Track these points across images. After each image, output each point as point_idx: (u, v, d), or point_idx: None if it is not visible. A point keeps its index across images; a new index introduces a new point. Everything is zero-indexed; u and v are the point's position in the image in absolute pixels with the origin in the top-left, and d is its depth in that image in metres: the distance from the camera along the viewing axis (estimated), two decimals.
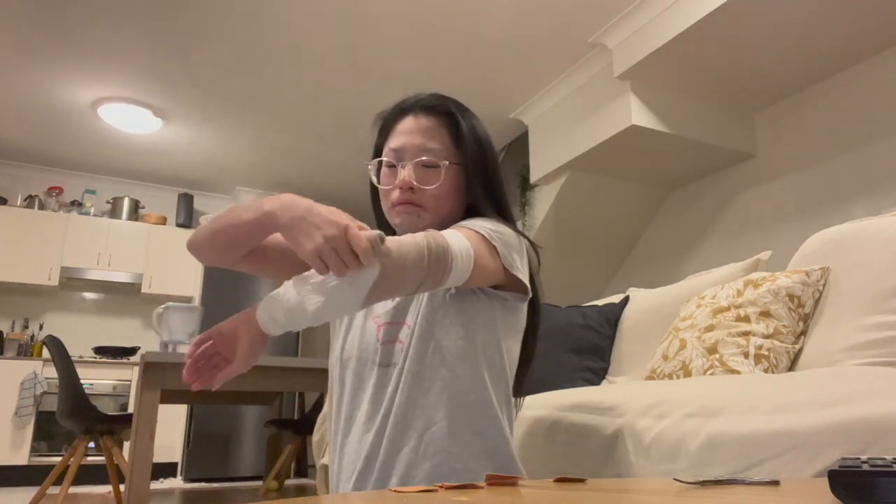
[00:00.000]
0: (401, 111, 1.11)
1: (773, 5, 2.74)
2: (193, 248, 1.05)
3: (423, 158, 1.05)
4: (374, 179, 1.11)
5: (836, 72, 3.23)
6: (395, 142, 1.07)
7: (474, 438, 0.97)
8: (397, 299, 1.05)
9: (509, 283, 1.03)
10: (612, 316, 2.31)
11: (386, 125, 1.13)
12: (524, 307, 1.09)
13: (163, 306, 3.10)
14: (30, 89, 4.20)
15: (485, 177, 1.09)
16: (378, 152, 1.13)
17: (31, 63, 3.88)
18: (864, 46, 3.02)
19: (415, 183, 1.04)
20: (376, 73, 3.91)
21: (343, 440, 1.03)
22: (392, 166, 1.07)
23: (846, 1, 2.71)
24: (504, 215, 1.11)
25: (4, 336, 5.22)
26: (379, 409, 0.99)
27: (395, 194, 1.05)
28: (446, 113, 1.09)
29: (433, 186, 1.04)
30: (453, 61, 3.73)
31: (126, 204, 5.75)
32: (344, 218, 0.84)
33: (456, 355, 0.99)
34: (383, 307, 1.06)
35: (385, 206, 1.09)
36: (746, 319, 1.54)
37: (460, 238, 0.93)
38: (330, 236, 0.81)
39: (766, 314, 1.52)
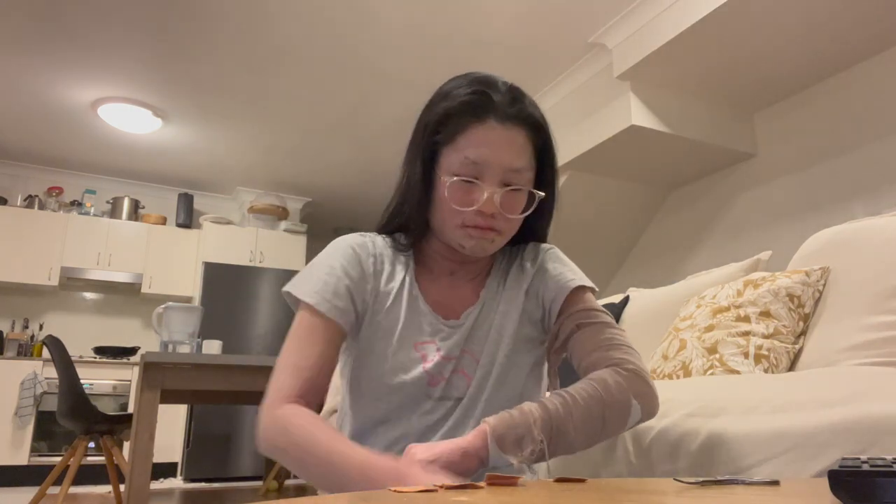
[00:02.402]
0: (479, 110, 0.90)
1: (773, 5, 2.74)
2: (268, 446, 0.85)
3: (511, 187, 0.90)
4: (447, 194, 0.90)
5: (836, 72, 3.23)
6: (474, 151, 0.88)
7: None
8: (462, 329, 0.96)
9: None
10: (612, 316, 2.31)
11: (453, 121, 0.91)
12: None
13: (163, 306, 3.10)
14: (30, 89, 4.20)
15: (552, 205, 1.02)
16: (432, 151, 0.93)
17: (31, 63, 3.88)
18: (864, 46, 3.02)
19: (499, 209, 0.90)
20: (376, 74, 3.91)
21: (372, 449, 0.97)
22: (469, 181, 0.89)
23: (846, 1, 2.71)
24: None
25: (4, 336, 5.22)
26: (433, 439, 0.91)
27: (471, 216, 0.90)
28: (535, 126, 0.93)
29: (516, 215, 0.92)
30: (453, 61, 3.73)
31: (126, 204, 5.75)
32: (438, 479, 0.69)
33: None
34: (434, 335, 0.96)
35: (450, 221, 0.91)
36: (746, 319, 1.54)
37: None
38: None
39: (766, 314, 1.52)
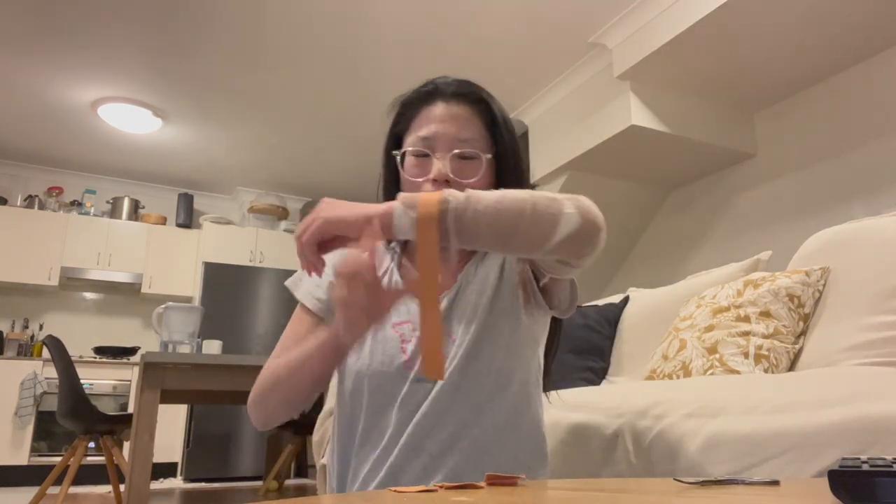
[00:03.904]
0: (427, 96, 1.01)
1: (773, 5, 2.74)
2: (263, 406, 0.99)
3: (459, 151, 0.97)
4: (401, 169, 1.01)
5: (836, 72, 3.23)
6: (424, 130, 0.98)
7: (514, 462, 0.95)
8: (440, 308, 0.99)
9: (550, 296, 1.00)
10: (612, 316, 2.31)
11: (408, 111, 1.03)
12: (549, 319, 1.07)
13: (163, 306, 3.11)
14: (30, 89, 4.20)
15: (518, 170, 1.03)
16: (396, 140, 1.05)
17: (31, 63, 3.88)
18: (864, 46, 3.02)
19: (451, 176, 0.96)
20: (376, 73, 3.91)
21: (359, 452, 0.97)
22: (422, 156, 0.98)
23: (846, 1, 2.71)
24: None
25: (4, 336, 5.22)
26: (411, 427, 0.93)
27: (427, 187, 0.96)
28: (479, 100, 1.01)
29: (472, 180, 0.96)
30: (453, 61, 3.73)
31: (126, 204, 5.75)
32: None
33: (506, 375, 0.95)
34: (410, 316, 0.99)
35: None
36: (746, 319, 1.54)
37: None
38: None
39: (766, 314, 1.52)
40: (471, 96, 1.01)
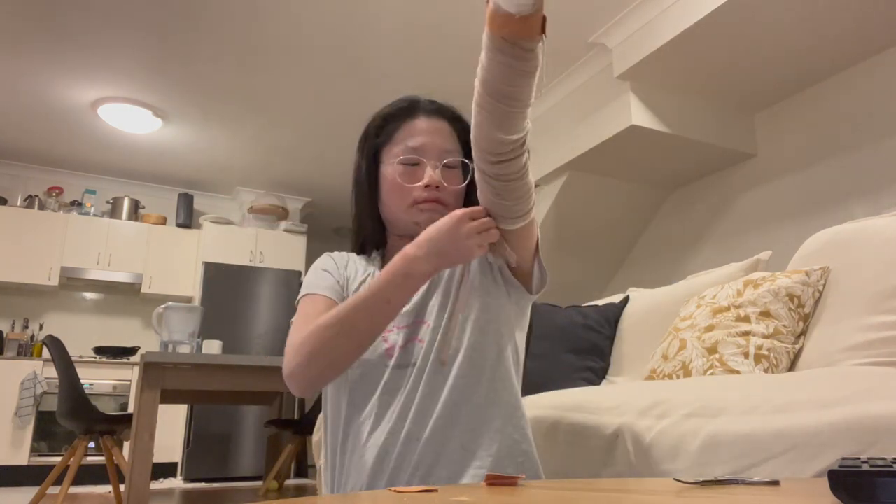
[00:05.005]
0: (409, 110, 1.10)
1: (773, 5, 2.74)
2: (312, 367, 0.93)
3: (449, 160, 1.08)
4: (385, 176, 1.09)
5: (837, 72, 3.23)
6: (414, 140, 1.07)
7: (495, 438, 0.97)
8: (414, 300, 1.05)
9: (524, 275, 1.05)
10: (612, 316, 2.31)
11: (389, 124, 1.10)
12: (529, 306, 1.12)
13: (163, 306, 3.10)
14: (30, 89, 4.20)
15: None
16: (375, 152, 1.11)
17: (32, 63, 3.88)
18: (864, 46, 3.02)
19: (443, 183, 1.06)
20: (376, 74, 3.91)
21: (344, 442, 1.01)
22: (412, 164, 1.07)
23: (846, 1, 2.71)
24: None
25: (4, 336, 5.22)
26: (392, 410, 0.97)
27: (419, 192, 1.05)
28: (455, 118, 1.13)
29: (456, 187, 1.08)
30: (453, 61, 3.73)
31: (126, 204, 5.75)
32: (457, 213, 0.94)
33: (479, 352, 1.00)
34: None
35: (402, 203, 1.07)
36: (746, 319, 1.54)
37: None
38: (470, 230, 0.92)
39: (766, 314, 1.52)
40: (448, 113, 1.12)
